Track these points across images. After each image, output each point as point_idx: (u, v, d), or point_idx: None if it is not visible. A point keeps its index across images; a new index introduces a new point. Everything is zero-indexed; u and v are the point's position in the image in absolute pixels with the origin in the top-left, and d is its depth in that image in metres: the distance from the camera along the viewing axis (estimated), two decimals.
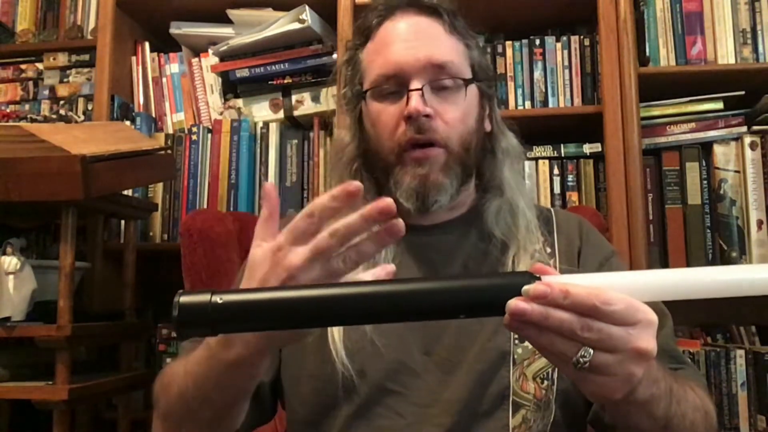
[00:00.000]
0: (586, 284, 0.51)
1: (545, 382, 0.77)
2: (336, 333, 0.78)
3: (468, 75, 0.86)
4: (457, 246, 0.86)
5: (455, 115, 0.83)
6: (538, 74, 1.55)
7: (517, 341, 0.78)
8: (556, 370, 0.78)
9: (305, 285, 0.54)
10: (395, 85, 0.83)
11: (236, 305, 0.52)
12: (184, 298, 0.52)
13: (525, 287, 0.50)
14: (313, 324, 0.59)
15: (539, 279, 0.51)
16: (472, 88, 0.86)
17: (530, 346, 0.77)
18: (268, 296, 0.53)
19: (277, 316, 0.52)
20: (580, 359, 0.50)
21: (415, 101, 0.80)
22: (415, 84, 0.81)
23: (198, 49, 1.74)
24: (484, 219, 0.86)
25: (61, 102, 1.78)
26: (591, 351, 0.50)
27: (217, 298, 0.51)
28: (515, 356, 0.77)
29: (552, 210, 0.93)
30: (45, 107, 1.78)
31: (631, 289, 0.51)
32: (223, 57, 1.65)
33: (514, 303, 0.49)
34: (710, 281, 0.51)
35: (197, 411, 0.67)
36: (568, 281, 0.51)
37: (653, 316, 0.51)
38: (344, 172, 0.89)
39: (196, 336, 0.58)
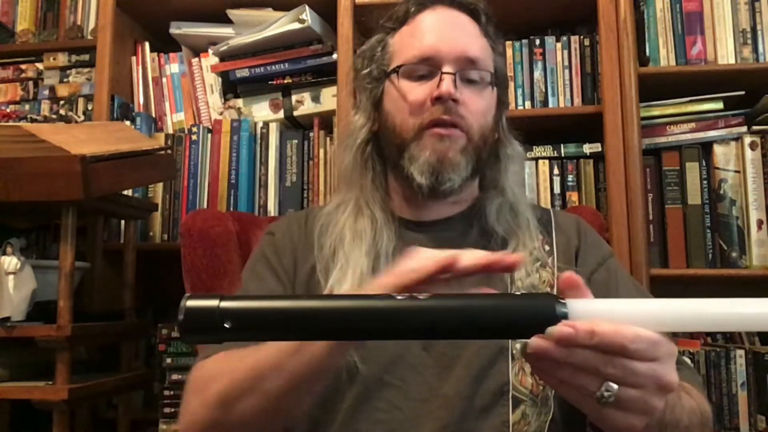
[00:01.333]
0: (612, 310, 0.48)
1: None
2: None
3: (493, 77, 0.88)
4: (457, 242, 0.86)
5: (479, 106, 0.86)
6: (538, 74, 1.55)
7: None
8: None
9: (323, 295, 0.52)
10: (427, 68, 0.85)
11: (245, 313, 0.48)
12: (190, 303, 0.47)
13: (549, 329, 0.46)
14: (329, 336, 0.55)
15: (564, 304, 0.48)
16: (493, 91, 0.89)
17: None
18: (281, 305, 0.49)
19: (289, 327, 0.48)
20: (605, 393, 0.48)
21: (447, 83, 0.82)
22: (447, 69, 0.83)
23: (198, 49, 1.74)
24: (485, 216, 0.87)
25: (61, 102, 1.78)
26: (615, 386, 0.48)
27: (226, 305, 0.47)
28: (513, 351, 0.78)
29: (551, 210, 0.94)
30: (45, 107, 1.78)
31: (661, 321, 0.48)
32: (223, 57, 1.65)
33: (537, 343, 0.47)
34: (750, 315, 0.48)
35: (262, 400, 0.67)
36: (595, 308, 0.48)
37: (674, 348, 0.50)
38: (357, 154, 0.91)
39: (202, 342, 0.56)
